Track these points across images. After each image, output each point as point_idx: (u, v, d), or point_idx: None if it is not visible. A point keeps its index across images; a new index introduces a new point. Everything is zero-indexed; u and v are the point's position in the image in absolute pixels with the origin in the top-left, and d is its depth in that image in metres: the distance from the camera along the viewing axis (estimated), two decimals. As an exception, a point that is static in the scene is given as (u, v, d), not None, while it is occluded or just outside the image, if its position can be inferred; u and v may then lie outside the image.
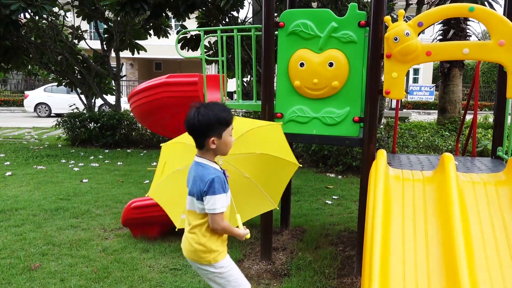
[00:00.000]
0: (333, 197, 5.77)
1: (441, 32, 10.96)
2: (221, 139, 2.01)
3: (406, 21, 2.92)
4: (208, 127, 1.98)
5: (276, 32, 3.35)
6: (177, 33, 9.92)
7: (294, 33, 3.26)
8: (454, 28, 10.30)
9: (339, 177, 6.91)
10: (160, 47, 23.85)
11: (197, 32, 9.86)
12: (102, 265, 3.53)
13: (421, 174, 3.04)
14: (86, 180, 6.56)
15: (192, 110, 2.03)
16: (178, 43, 9.69)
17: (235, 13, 9.96)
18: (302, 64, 3.24)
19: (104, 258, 3.67)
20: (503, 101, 3.49)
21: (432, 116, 19.64)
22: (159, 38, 11.54)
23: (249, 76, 12.40)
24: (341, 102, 3.23)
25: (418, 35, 2.93)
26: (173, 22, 15.83)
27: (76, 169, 7.44)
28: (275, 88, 3.42)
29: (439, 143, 7.22)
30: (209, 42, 10.48)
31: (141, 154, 9.03)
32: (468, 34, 10.46)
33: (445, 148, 7.19)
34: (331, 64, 3.17)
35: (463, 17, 9.33)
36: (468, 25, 10.40)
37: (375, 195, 2.72)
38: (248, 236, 2.15)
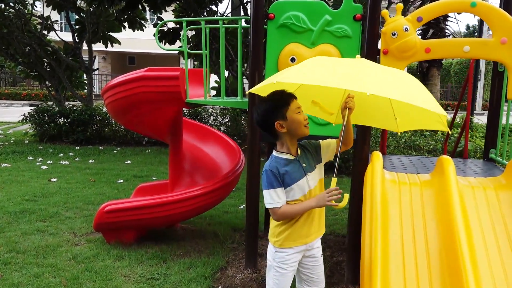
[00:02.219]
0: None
1: (420, 31, 10.99)
2: (287, 119, 1.98)
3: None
4: (268, 115, 1.99)
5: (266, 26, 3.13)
6: (154, 26, 9.57)
7: (284, 26, 3.05)
8: (433, 28, 10.34)
9: (325, 177, 6.75)
10: (134, 40, 23.21)
11: (174, 25, 9.54)
12: (71, 275, 3.22)
13: (417, 177, 2.89)
14: (55, 180, 6.16)
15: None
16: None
17: (214, 7, 9.68)
18: (293, 59, 3.02)
19: (74, 267, 3.37)
20: (497, 103, 3.38)
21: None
22: (134, 31, 11.10)
23: (227, 72, 12.13)
24: (334, 101, 3.03)
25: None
26: (148, 15, 15.37)
27: (44, 167, 7.00)
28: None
29: (420, 143, 7.18)
30: (187, 36, 10.16)
31: (114, 152, 8.63)
32: (447, 34, 10.53)
33: (426, 148, 7.16)
34: (324, 60, 2.97)
35: (443, 17, 9.35)
36: (447, 25, 10.47)
37: (373, 201, 2.54)
38: (339, 205, 1.92)
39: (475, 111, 15.11)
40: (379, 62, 2.96)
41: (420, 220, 2.57)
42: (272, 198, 1.99)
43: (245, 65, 8.40)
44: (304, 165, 2.07)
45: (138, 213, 3.58)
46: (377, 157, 2.80)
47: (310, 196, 2.07)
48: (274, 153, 2.08)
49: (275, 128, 1.99)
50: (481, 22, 13.30)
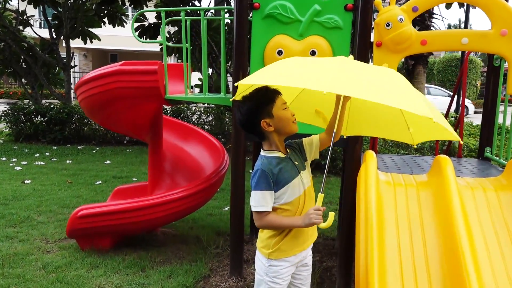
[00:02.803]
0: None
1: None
2: (274, 117, 1.81)
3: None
4: (252, 114, 1.83)
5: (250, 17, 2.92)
6: (137, 21, 9.24)
7: (271, 16, 2.84)
8: (419, 25, 10.23)
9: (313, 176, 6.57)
10: (116, 37, 22.69)
11: (155, 21, 9.24)
12: (40, 286, 2.96)
13: (412, 178, 2.71)
14: (29, 181, 5.83)
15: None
16: (136, 31, 9.06)
17: (197, 3, 9.42)
18: (280, 52, 2.82)
19: (44, 278, 3.10)
20: (493, 101, 3.23)
21: (391, 114, 19.92)
22: (114, 26, 10.75)
23: (210, 70, 11.86)
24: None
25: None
26: (130, 11, 14.98)
27: (18, 168, 6.65)
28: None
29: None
30: (168, 32, 9.86)
31: (94, 151, 8.30)
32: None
33: (414, 146, 7.01)
34: (313, 53, 2.78)
35: (428, 14, 9.25)
36: (433, 22, 10.38)
37: (367, 205, 2.35)
38: (324, 225, 1.72)
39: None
40: (371, 55, 2.78)
41: (418, 224, 2.39)
42: (260, 200, 1.80)
43: (229, 62, 8.18)
44: (296, 163, 1.88)
45: (113, 218, 3.33)
46: (370, 157, 2.62)
47: (305, 196, 1.87)
48: (263, 153, 1.89)
49: (261, 127, 1.82)
50: (466, 19, 13.33)
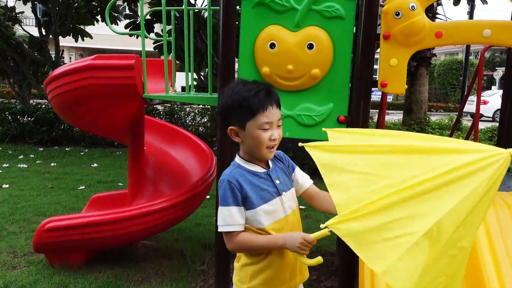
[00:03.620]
0: (300, 207, 5.03)
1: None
2: (245, 131, 1.45)
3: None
4: (226, 112, 1.48)
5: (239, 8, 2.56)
6: (127, 17, 8.88)
7: (262, 4, 2.47)
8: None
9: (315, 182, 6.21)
10: (113, 37, 22.33)
11: (149, 17, 8.86)
12: (-4, 311, 2.59)
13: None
14: (7, 186, 5.45)
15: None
16: (126, 28, 8.68)
17: (191, -1, 9.04)
18: (272, 45, 2.45)
19: (3, 300, 2.74)
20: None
21: (391, 117, 19.62)
22: (107, 24, 10.40)
23: (206, 70, 11.50)
24: (323, 97, 2.48)
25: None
26: (126, 10, 14.61)
27: (-3, 171, 6.29)
28: (236, 76, 2.62)
29: (411, 145, 6.68)
30: (157, 34, 9.49)
31: (81, 153, 7.93)
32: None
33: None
34: (310, 46, 2.41)
35: (431, 13, 8.90)
36: (437, 17, 10.02)
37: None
38: (307, 262, 1.40)
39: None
40: (377, 49, 2.42)
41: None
42: (227, 218, 1.45)
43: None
44: (277, 182, 1.51)
45: (86, 232, 2.96)
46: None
47: (287, 225, 1.50)
48: (237, 159, 1.55)
49: (228, 131, 1.50)
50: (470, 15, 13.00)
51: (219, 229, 1.48)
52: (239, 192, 1.44)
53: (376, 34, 2.36)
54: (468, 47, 14.06)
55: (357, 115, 2.42)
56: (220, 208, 1.47)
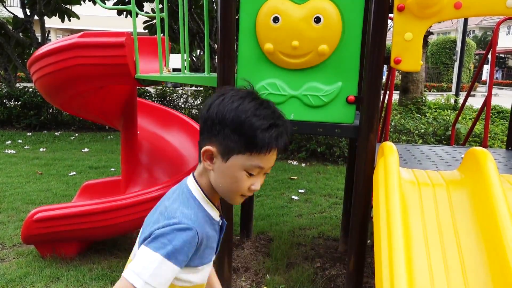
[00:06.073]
0: (299, 190, 4.91)
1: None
2: (226, 163, 1.09)
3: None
4: (218, 123, 1.08)
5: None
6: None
7: (264, -26, 2.27)
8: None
9: (303, 165, 6.07)
10: (104, 18, 21.77)
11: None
12: (-16, 309, 2.43)
13: (439, 175, 2.20)
14: (-6, 173, 5.24)
15: (217, 94, 1.14)
16: (116, 5, 8.34)
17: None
18: (276, 20, 2.25)
19: (-9, 296, 2.57)
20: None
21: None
22: (95, 4, 10.00)
23: (198, 51, 11.20)
24: (331, 75, 2.30)
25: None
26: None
27: (-16, 158, 6.05)
28: (237, 54, 2.42)
29: (411, 126, 6.56)
30: (147, 13, 9.16)
31: (72, 138, 7.69)
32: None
33: (416, 132, 6.55)
34: (317, 20, 2.22)
35: None
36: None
37: (391, 211, 1.83)
38: None
39: (452, 93, 14.74)
40: (390, 22, 2.24)
41: (452, 236, 1.89)
42: (155, 275, 1.02)
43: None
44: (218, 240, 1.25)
45: (76, 222, 2.79)
46: (390, 150, 2.09)
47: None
48: (196, 191, 1.15)
49: (202, 150, 1.12)
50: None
51: (132, 276, 1.01)
52: (195, 249, 1.10)
53: (389, 6, 2.17)
54: (466, 24, 13.82)
55: (368, 94, 2.24)
56: (158, 254, 1.03)
